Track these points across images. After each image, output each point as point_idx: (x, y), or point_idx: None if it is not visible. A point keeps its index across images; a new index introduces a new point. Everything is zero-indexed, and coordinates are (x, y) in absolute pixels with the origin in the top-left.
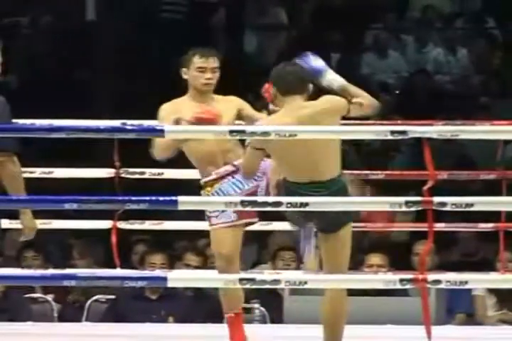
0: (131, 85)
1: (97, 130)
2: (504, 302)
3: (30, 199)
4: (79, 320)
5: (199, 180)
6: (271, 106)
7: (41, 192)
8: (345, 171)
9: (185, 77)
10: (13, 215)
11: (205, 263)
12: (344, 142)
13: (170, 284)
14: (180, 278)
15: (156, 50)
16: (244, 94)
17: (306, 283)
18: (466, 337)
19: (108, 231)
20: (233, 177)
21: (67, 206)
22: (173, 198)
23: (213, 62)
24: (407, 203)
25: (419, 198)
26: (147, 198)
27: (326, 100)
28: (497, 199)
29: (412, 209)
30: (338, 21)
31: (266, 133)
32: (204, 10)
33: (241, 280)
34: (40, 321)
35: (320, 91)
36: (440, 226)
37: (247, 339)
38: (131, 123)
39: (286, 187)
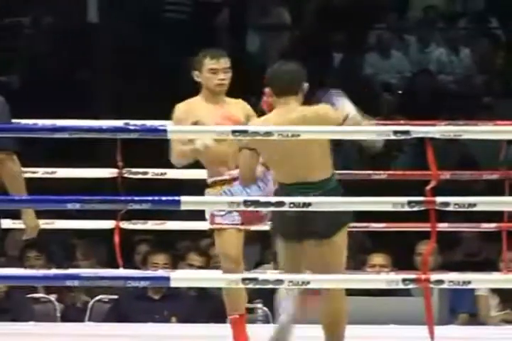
0: (132, 85)
1: (100, 130)
2: (507, 302)
3: (33, 199)
4: (82, 320)
5: (202, 180)
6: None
7: (44, 192)
8: (348, 171)
9: (197, 79)
10: (14, 215)
11: (208, 263)
12: (347, 142)
13: (173, 284)
14: (183, 278)
15: (158, 50)
16: (246, 94)
17: (308, 283)
18: (469, 337)
19: (111, 231)
20: None
21: (69, 206)
22: (176, 198)
23: (225, 63)
24: (409, 203)
25: (421, 198)
26: (150, 198)
27: (321, 108)
28: (500, 199)
29: (415, 209)
30: (341, 21)
31: (268, 133)
32: (208, 10)
33: (244, 280)
34: (42, 321)
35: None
36: (443, 226)
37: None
38: (133, 123)
39: (276, 189)
